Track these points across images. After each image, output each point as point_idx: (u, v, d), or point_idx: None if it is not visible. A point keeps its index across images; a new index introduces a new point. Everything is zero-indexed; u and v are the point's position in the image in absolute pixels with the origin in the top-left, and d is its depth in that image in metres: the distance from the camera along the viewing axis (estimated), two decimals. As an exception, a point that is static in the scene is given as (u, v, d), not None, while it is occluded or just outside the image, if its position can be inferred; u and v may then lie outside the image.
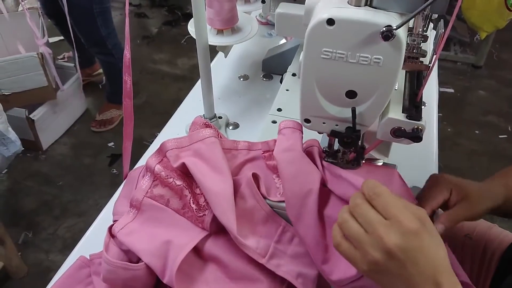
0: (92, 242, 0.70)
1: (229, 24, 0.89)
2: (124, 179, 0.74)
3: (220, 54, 1.14)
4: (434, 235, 0.44)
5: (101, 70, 2.43)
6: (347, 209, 0.46)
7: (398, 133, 0.54)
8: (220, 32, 0.89)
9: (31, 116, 1.95)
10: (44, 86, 1.90)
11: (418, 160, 0.83)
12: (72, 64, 2.21)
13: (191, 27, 0.88)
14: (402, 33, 0.46)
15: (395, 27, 0.45)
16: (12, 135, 1.37)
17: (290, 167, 0.59)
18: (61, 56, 2.70)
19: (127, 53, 0.65)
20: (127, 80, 0.66)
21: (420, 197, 0.61)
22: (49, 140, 2.14)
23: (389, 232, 0.42)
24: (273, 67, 1.08)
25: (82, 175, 2.01)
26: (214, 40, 0.88)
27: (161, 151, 0.63)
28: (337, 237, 0.46)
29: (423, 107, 0.59)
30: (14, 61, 1.78)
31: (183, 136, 0.63)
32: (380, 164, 0.68)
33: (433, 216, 0.60)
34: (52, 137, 2.15)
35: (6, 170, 1.98)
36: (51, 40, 2.56)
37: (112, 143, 2.17)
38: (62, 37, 2.61)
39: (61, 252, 1.68)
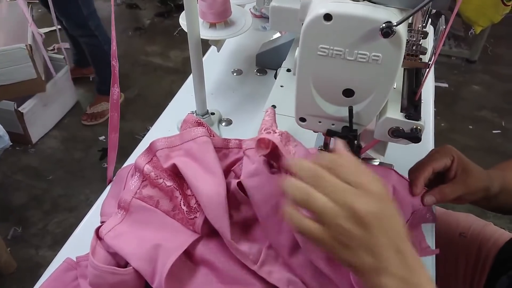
0: (82, 239, 0.67)
1: (222, 18, 0.86)
2: (109, 168, 0.72)
3: (213, 48, 1.11)
4: (391, 201, 0.43)
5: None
6: (304, 185, 0.42)
7: (396, 133, 0.52)
8: (212, 25, 0.87)
9: (20, 109, 1.92)
10: (33, 78, 1.86)
11: (415, 157, 0.82)
12: (62, 56, 2.17)
13: (182, 20, 0.85)
14: (402, 29, 0.44)
15: (395, 24, 0.43)
16: (0, 129, 1.34)
17: (258, 193, 0.57)
18: (51, 48, 2.65)
19: (113, 34, 0.63)
20: (115, 65, 0.64)
21: (422, 162, 0.61)
22: (39, 133, 2.10)
23: (359, 199, 0.40)
24: (267, 61, 1.06)
25: (72, 169, 1.98)
26: (206, 33, 0.86)
27: (151, 151, 0.60)
28: (297, 218, 0.42)
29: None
30: (2, 53, 1.74)
31: (173, 135, 0.61)
32: (377, 163, 0.66)
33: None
34: (41, 130, 2.12)
35: (-6, 164, 1.95)
36: (41, 31, 2.51)
37: (103, 137, 2.14)
38: (52, 28, 2.57)
39: (51, 248, 1.66)
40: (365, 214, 0.39)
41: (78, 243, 0.67)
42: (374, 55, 0.46)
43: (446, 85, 2.50)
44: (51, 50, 2.63)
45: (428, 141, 0.85)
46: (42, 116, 2.07)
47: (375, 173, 0.43)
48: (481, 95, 2.46)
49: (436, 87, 1.14)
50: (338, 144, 0.46)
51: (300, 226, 0.42)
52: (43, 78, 1.92)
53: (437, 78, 2.46)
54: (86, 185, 1.90)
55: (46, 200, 1.84)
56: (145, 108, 2.29)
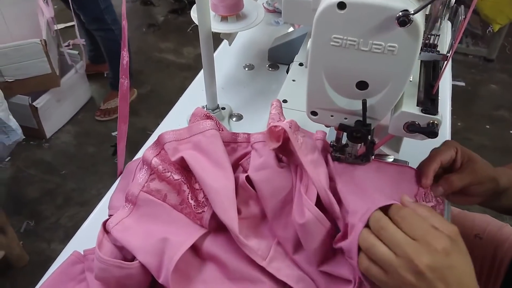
0: (91, 232, 0.67)
1: (234, 11, 0.85)
2: (119, 160, 0.71)
3: (224, 42, 1.10)
4: (464, 253, 0.45)
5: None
6: (370, 232, 0.46)
7: (412, 128, 0.50)
8: (224, 18, 0.86)
9: (34, 103, 1.94)
10: (47, 73, 1.88)
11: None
12: (77, 52, 2.18)
13: (194, 13, 0.84)
14: (419, 18, 0.42)
15: (412, 12, 0.41)
16: (13, 123, 1.35)
17: (266, 187, 0.56)
18: (67, 43, 2.67)
19: (124, 24, 0.62)
20: (125, 56, 0.64)
21: (429, 156, 0.61)
22: (53, 128, 2.12)
23: (418, 252, 0.43)
24: (279, 56, 1.04)
25: (85, 164, 2.00)
26: (218, 27, 0.85)
27: (159, 144, 0.59)
28: (364, 262, 0.46)
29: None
30: (17, 48, 1.76)
31: (182, 128, 0.60)
32: (391, 160, 0.64)
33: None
34: (55, 125, 2.13)
35: (9, 158, 1.97)
36: (57, 27, 2.54)
37: (116, 132, 2.15)
38: (68, 24, 2.59)
39: (62, 242, 1.67)
40: (424, 267, 0.42)
41: (87, 236, 0.66)
42: (390, 46, 0.44)
43: (463, 84, 2.46)
44: (67, 46, 2.65)
45: (445, 138, 0.83)
46: (56, 111, 2.09)
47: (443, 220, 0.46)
48: (499, 94, 2.41)
49: (453, 85, 1.11)
50: (405, 198, 0.50)
51: (364, 268, 0.46)
52: (57, 73, 1.94)
53: (454, 77, 2.40)
54: (98, 180, 1.92)
55: (59, 194, 1.86)
56: (158, 105, 2.29)
